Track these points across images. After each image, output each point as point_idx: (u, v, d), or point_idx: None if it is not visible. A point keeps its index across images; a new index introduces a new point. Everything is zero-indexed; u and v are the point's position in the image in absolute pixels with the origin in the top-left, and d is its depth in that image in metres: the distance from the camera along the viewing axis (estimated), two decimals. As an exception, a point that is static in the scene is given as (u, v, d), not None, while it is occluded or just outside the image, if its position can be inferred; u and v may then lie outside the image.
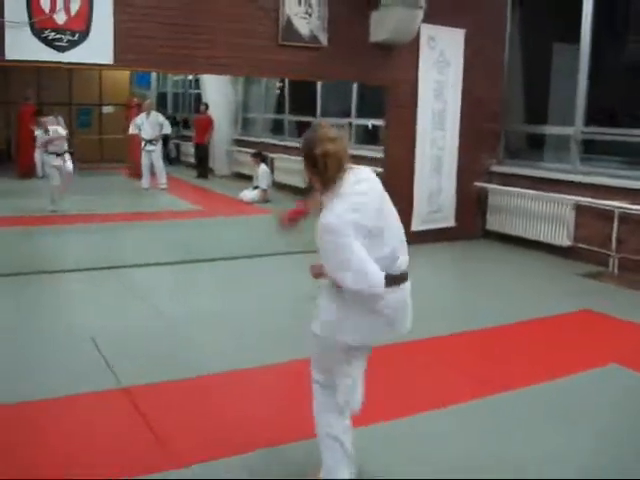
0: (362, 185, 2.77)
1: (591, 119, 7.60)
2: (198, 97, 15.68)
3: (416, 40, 7.63)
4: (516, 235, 8.12)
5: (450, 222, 8.37)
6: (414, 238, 7.92)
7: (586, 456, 3.38)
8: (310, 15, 7.15)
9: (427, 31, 7.67)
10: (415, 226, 8.07)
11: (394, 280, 2.76)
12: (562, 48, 8.39)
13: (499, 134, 8.58)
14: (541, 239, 7.80)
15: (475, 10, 8.01)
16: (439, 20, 7.66)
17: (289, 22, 7.05)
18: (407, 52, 7.70)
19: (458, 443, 3.45)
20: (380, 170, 8.15)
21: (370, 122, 10.38)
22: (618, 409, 3.95)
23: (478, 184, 8.50)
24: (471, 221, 8.55)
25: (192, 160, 14.62)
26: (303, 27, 7.14)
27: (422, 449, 3.39)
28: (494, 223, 8.45)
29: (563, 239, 7.54)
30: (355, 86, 10.60)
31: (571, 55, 8.26)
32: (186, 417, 3.66)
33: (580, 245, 7.39)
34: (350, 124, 10.72)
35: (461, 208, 8.40)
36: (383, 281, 2.69)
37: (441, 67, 7.97)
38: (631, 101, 7.55)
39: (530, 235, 7.93)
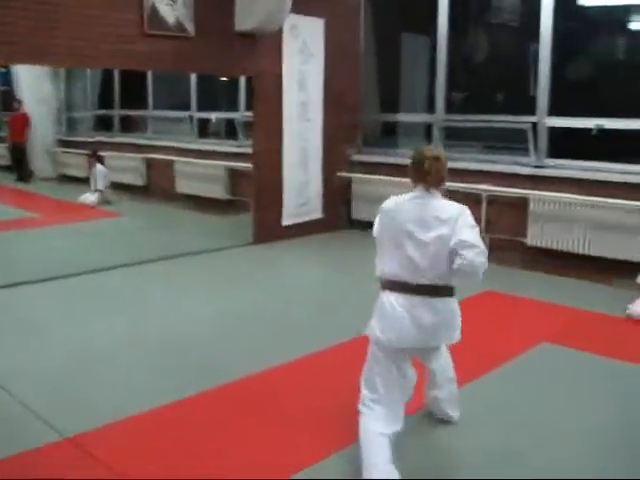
0: None
1: (451, 106, 7.92)
2: (6, 94, 14.07)
3: (279, 29, 7.41)
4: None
5: (318, 214, 8.31)
6: (284, 233, 7.86)
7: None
8: (175, 1, 6.65)
9: (290, 20, 7.46)
10: (285, 220, 7.93)
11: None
12: (413, 38, 8.64)
13: (358, 124, 8.64)
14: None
15: (332, -1, 7.99)
16: (300, 9, 7.49)
17: (154, 9, 6.49)
18: (271, 42, 7.46)
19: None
20: (247, 165, 7.97)
21: (213, 115, 9.97)
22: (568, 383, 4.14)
23: (341, 174, 8.50)
24: (336, 211, 8.55)
25: (5, 162, 13.10)
26: (169, 15, 6.63)
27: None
28: (359, 212, 8.51)
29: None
30: (194, 77, 10.10)
31: (422, 44, 8.56)
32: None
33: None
34: (191, 118, 10.22)
35: (327, 199, 8.37)
36: None
37: (304, 57, 7.83)
38: (489, 88, 7.98)
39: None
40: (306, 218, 8.15)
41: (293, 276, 6.76)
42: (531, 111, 7.19)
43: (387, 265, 3.10)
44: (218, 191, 9.67)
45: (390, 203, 3.17)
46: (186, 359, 4.44)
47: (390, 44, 8.70)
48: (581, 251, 6.65)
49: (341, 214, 8.60)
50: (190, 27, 6.79)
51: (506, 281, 6.33)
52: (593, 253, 6.58)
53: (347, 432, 3.26)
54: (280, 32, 7.44)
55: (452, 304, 3.10)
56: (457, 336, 3.15)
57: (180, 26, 6.73)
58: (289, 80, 7.70)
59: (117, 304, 5.58)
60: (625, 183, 6.48)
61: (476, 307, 5.32)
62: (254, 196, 7.75)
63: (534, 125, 7.15)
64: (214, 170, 9.63)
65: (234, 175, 9.45)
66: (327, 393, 3.93)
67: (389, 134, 8.94)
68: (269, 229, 7.81)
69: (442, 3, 7.70)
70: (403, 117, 8.58)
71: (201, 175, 9.80)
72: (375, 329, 3.10)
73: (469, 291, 5.20)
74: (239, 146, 9.59)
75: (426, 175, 3.08)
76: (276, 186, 7.78)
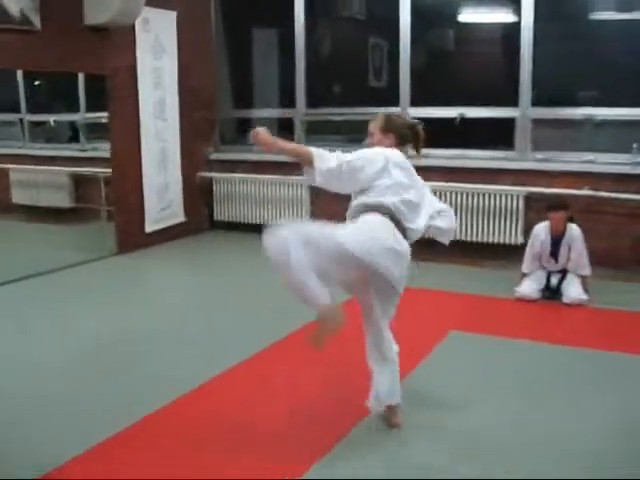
0: None
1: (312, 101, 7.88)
2: None
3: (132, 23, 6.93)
4: (246, 222, 8.05)
5: (180, 217, 7.91)
6: (148, 240, 7.41)
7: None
8: (19, -8, 5.97)
9: (142, 13, 7.01)
10: (149, 227, 7.48)
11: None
12: (265, 32, 8.49)
13: (214, 121, 8.34)
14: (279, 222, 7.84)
15: (183, -9, 7.61)
16: (150, 0, 7.04)
17: (-5, -1, 5.79)
18: (124, 36, 6.94)
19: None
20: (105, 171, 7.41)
21: (51, 118, 9.17)
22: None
23: (201, 174, 8.17)
24: (199, 213, 8.20)
25: None
26: (12, 6, 5.92)
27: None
28: (222, 212, 8.24)
29: (302, 220, 7.72)
30: (20, 75, 9.21)
31: (274, 38, 8.45)
32: None
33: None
34: (21, 121, 9.32)
35: (189, 201, 7.99)
36: None
37: (157, 53, 7.39)
38: (347, 79, 8.05)
39: (261, 220, 7.93)
40: (169, 223, 7.73)
41: (169, 286, 6.41)
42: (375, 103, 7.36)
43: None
44: (62, 199, 8.94)
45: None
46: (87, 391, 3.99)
47: (242, 38, 8.48)
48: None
49: (203, 216, 8.27)
50: (36, 20, 6.14)
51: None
52: (462, 238, 6.86)
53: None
54: (132, 27, 6.96)
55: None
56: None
57: (25, 19, 6.06)
58: (144, 77, 7.22)
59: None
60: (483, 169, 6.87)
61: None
62: (115, 202, 7.22)
63: (397, 117, 7.30)
64: (56, 177, 8.89)
65: (78, 181, 8.80)
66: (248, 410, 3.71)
67: (244, 131, 8.72)
68: (132, 237, 7.31)
69: (298, -6, 7.64)
70: (262, 113, 8.39)
71: (42, 183, 9.00)
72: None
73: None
74: (82, 150, 8.93)
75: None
76: (136, 190, 7.30)
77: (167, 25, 7.45)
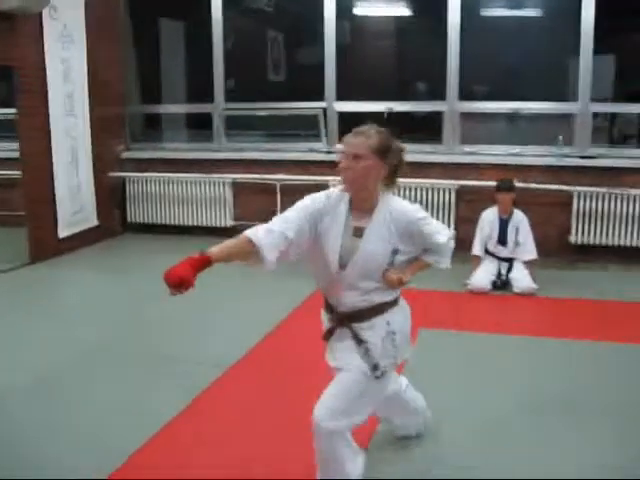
0: None
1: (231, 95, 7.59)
2: None
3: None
4: (162, 223, 7.63)
5: (93, 221, 7.34)
6: (62, 246, 6.83)
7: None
8: None
9: (49, -1, 6.41)
10: (61, 232, 6.89)
11: None
12: (173, 24, 8.07)
13: (124, 117, 7.81)
14: (199, 223, 7.50)
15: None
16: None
17: None
18: (30, 25, 6.33)
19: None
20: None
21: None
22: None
23: (112, 174, 7.62)
24: (111, 216, 7.66)
25: None
26: None
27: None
28: (135, 214, 7.74)
29: (226, 220, 7.42)
30: None
31: (181, 31, 8.10)
32: None
33: (242, 223, 7.38)
34: None
35: (101, 204, 7.43)
36: None
37: (66, 43, 6.78)
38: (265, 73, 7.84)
39: (179, 220, 7.56)
40: (82, 227, 7.14)
41: (91, 298, 5.78)
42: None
43: None
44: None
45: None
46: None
47: (149, 29, 8.01)
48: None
49: (116, 219, 7.74)
50: (-64, 4, 5.45)
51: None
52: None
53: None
54: (39, 14, 6.35)
55: None
56: None
57: None
58: (53, 69, 6.60)
59: None
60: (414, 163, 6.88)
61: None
62: (26, 207, 6.56)
63: (324, 111, 7.18)
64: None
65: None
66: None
67: (153, 127, 8.27)
68: (45, 244, 6.69)
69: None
70: (173, 108, 7.98)
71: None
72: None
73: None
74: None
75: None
76: (48, 193, 6.68)
77: (76, 13, 6.86)
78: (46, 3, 6.11)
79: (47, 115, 6.60)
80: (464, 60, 6.78)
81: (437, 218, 6.78)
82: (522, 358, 4.33)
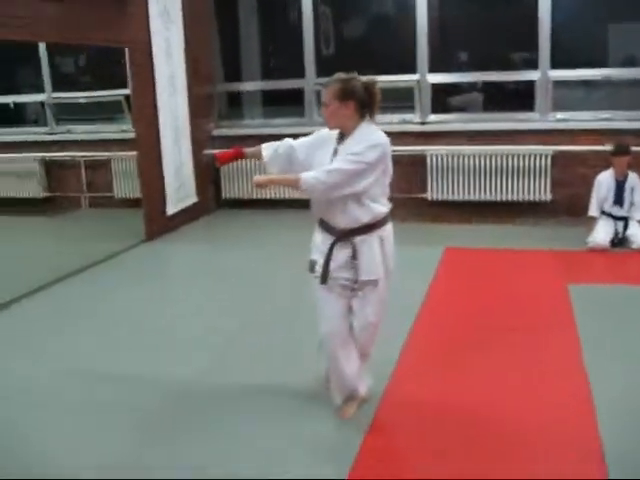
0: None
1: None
2: None
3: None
4: (255, 198, 7.79)
5: (193, 198, 7.49)
6: (171, 224, 6.99)
7: None
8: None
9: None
10: (170, 209, 7.05)
11: None
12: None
13: (214, 96, 7.93)
14: (290, 196, 7.66)
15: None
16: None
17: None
18: (138, 6, 6.43)
19: None
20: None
21: (10, 100, 8.33)
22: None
23: (208, 152, 7.75)
24: (207, 193, 7.81)
25: None
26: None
27: None
28: (229, 190, 7.91)
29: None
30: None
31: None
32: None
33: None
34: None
35: (199, 181, 7.57)
36: None
37: (166, 22, 6.88)
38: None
39: (274, 195, 7.71)
40: (185, 204, 7.30)
41: (234, 270, 5.95)
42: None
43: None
44: (30, 188, 8.24)
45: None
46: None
47: (227, 7, 8.09)
48: (480, 198, 7.17)
49: (212, 195, 7.90)
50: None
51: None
52: (490, 198, 7.13)
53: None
54: (145, -6, 6.46)
55: None
56: None
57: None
58: (157, 49, 6.71)
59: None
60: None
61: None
62: (142, 187, 6.69)
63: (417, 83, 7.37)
64: (23, 164, 8.15)
65: (49, 168, 8.17)
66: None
67: (233, 105, 8.39)
68: (157, 222, 6.84)
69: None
70: (277, 84, 8.04)
71: (6, 171, 8.22)
72: None
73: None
74: (51, 133, 8.23)
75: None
76: (158, 172, 6.82)
77: (173, -7, 6.97)
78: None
79: (155, 95, 6.72)
80: (555, 28, 6.99)
81: (533, 182, 7.05)
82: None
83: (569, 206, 7.05)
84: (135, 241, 6.63)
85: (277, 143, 3.22)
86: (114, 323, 4.66)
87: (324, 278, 3.11)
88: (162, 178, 6.87)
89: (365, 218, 3.04)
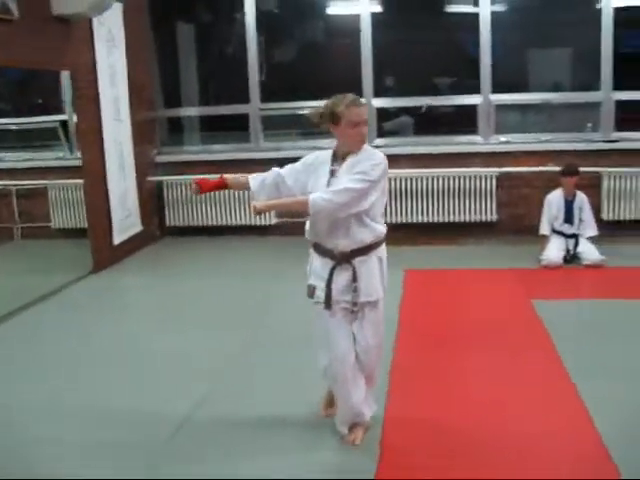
0: None
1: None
2: None
3: (88, 14, 6.22)
4: (199, 225, 7.63)
5: (138, 226, 7.25)
6: (117, 253, 6.73)
7: None
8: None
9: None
10: (117, 239, 6.79)
11: None
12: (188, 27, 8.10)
13: (156, 122, 7.74)
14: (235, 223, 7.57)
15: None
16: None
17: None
18: (82, 29, 6.22)
19: None
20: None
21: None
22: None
23: (150, 179, 7.54)
24: (152, 221, 7.58)
25: None
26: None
27: None
28: (174, 218, 7.70)
29: (270, 218, 7.53)
30: None
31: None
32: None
33: (283, 220, 7.51)
34: None
35: (143, 208, 7.34)
36: None
37: (110, 47, 6.68)
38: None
39: (216, 221, 7.59)
40: (130, 233, 7.05)
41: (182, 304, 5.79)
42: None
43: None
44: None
45: None
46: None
47: (166, 33, 7.96)
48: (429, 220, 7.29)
49: (156, 223, 7.67)
50: (13, 6, 5.27)
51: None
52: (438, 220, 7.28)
53: None
54: (90, 19, 6.24)
55: None
56: None
57: (2, 5, 5.18)
58: (102, 73, 6.50)
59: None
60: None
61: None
62: (89, 215, 6.43)
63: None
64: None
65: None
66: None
67: (175, 131, 8.21)
68: (103, 252, 6.56)
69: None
70: (220, 110, 7.91)
71: None
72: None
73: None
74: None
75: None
76: (104, 200, 6.57)
77: (117, 17, 6.77)
78: (109, 6, 6.03)
79: (100, 120, 6.49)
80: (495, 54, 7.23)
81: (480, 203, 7.21)
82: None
83: (514, 225, 7.27)
84: (82, 273, 6.32)
85: (264, 175, 3.14)
86: (75, 357, 4.41)
87: (328, 303, 3.04)
88: (108, 206, 6.61)
89: (368, 239, 3.02)
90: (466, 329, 4.65)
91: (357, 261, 3.02)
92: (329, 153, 3.10)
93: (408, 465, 3.02)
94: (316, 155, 3.12)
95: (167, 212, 7.69)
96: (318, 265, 3.09)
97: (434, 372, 3.96)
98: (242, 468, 3.02)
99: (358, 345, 3.12)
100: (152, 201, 7.59)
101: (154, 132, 7.76)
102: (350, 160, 3.00)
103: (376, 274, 3.07)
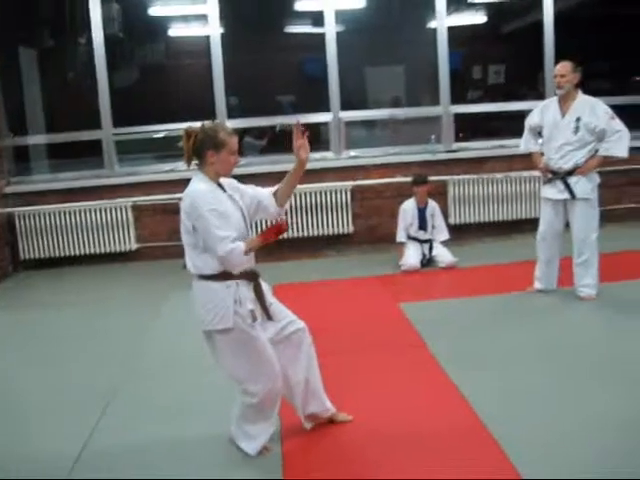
0: None
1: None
2: None
3: None
4: (60, 255, 7.38)
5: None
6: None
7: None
8: None
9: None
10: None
11: None
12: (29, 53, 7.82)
13: (2, 151, 7.37)
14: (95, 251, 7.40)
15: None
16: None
17: None
18: None
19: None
20: None
21: None
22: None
23: (1, 210, 7.18)
24: (3, 255, 7.20)
25: None
26: None
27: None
28: (29, 250, 7.36)
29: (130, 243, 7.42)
30: None
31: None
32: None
33: (145, 245, 7.44)
34: None
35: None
36: None
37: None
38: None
39: (79, 250, 7.38)
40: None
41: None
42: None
43: None
44: None
45: None
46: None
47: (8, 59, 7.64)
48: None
49: (7, 257, 7.29)
50: None
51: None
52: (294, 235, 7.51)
53: None
54: None
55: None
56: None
57: None
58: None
59: None
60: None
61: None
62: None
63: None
64: None
65: None
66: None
67: (20, 160, 7.86)
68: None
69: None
70: (71, 136, 7.61)
71: None
72: None
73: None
74: None
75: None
76: None
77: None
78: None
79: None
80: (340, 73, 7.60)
81: (335, 216, 7.53)
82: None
83: (369, 236, 7.66)
84: None
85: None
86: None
87: (268, 314, 3.31)
88: None
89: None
90: (343, 336, 4.86)
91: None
92: (212, 185, 3.11)
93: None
94: (211, 196, 3.06)
95: (21, 245, 7.34)
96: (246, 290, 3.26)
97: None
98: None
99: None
100: (3, 234, 7.23)
101: (1, 162, 7.39)
102: (228, 183, 3.20)
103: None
